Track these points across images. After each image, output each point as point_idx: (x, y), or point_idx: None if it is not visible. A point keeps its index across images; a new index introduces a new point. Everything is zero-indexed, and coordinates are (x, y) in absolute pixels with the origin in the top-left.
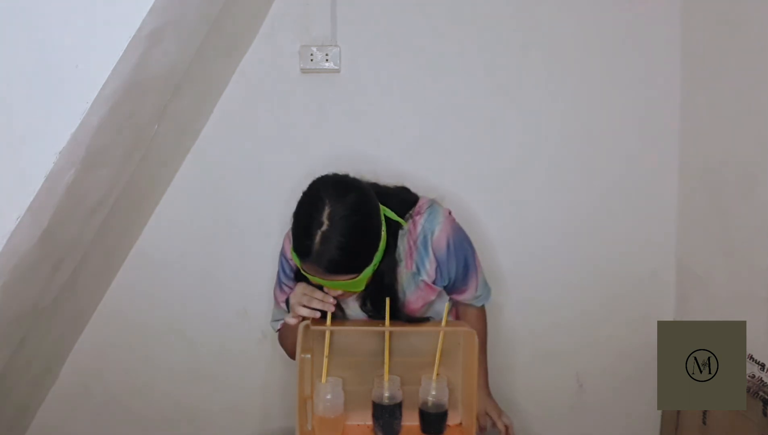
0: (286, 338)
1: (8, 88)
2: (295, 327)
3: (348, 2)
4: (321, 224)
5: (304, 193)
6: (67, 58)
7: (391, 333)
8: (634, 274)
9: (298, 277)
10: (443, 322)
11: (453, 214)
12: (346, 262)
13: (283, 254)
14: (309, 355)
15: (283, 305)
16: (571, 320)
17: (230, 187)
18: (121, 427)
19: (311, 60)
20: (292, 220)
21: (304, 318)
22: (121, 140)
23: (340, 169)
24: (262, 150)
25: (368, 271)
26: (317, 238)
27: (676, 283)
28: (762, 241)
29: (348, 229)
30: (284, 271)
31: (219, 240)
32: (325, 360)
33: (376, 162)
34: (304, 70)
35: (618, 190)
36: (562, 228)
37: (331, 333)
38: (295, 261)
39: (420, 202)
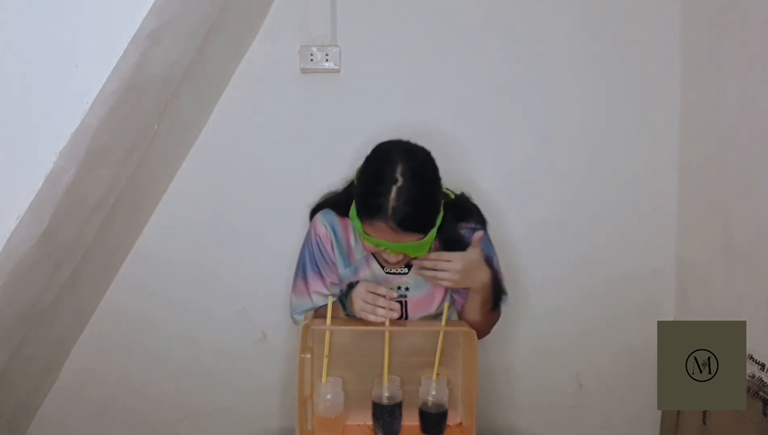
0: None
1: (8, 88)
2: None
3: (348, 2)
4: (396, 180)
5: (371, 157)
6: (67, 58)
7: (391, 333)
8: (634, 274)
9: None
10: (443, 322)
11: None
12: (419, 218)
13: (314, 239)
14: (309, 355)
15: (315, 296)
16: (571, 320)
17: (230, 186)
18: (121, 427)
19: (311, 60)
20: (360, 182)
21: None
22: (121, 140)
23: (339, 169)
24: (262, 150)
25: (433, 234)
26: (392, 194)
27: (676, 283)
28: (762, 241)
29: (422, 185)
30: (318, 256)
31: (219, 240)
32: (326, 360)
33: None
34: (304, 70)
35: (618, 190)
36: (562, 228)
37: (331, 333)
38: (356, 226)
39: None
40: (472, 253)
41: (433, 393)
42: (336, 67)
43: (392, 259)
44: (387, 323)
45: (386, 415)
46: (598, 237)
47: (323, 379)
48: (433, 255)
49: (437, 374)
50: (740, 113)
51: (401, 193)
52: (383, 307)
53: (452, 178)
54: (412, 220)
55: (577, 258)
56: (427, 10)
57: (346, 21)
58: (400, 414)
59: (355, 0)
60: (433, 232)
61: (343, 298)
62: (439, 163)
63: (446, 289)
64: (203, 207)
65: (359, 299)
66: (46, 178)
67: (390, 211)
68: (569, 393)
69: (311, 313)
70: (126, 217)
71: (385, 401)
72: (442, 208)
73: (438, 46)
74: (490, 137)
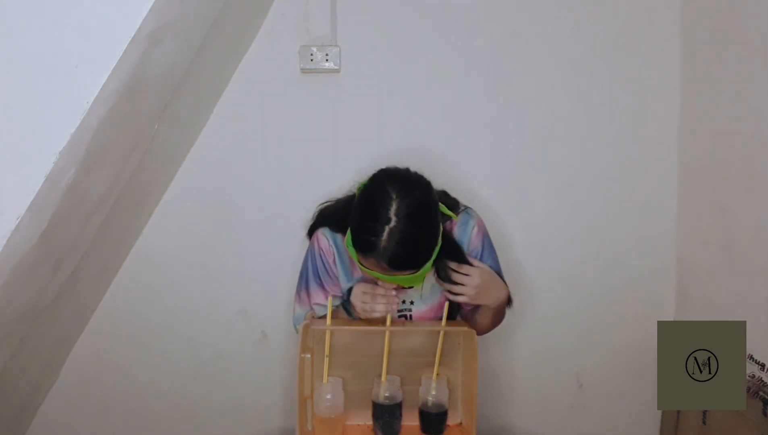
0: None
1: (8, 88)
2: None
3: (348, 2)
4: (389, 220)
5: (368, 187)
6: (67, 58)
7: (391, 333)
8: (634, 274)
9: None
10: (443, 322)
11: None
12: (410, 259)
13: (317, 251)
14: (309, 355)
15: (317, 308)
16: (571, 320)
17: (230, 187)
18: (121, 427)
19: (311, 60)
20: (354, 215)
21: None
22: (121, 140)
23: (339, 169)
24: (261, 150)
25: (428, 267)
26: (384, 235)
27: (676, 283)
28: (762, 241)
29: (416, 227)
30: (321, 268)
31: (219, 240)
32: (326, 360)
33: (377, 162)
34: (304, 70)
35: (618, 190)
36: (562, 228)
37: (331, 333)
38: (351, 254)
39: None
40: (489, 271)
41: (433, 393)
42: (336, 67)
43: (387, 286)
44: (388, 323)
45: (386, 415)
46: (598, 237)
47: (324, 379)
48: (453, 265)
49: (437, 374)
50: (740, 113)
51: (394, 234)
52: (382, 302)
53: (451, 179)
54: (404, 261)
55: (576, 258)
56: (426, 10)
57: (346, 21)
58: (400, 414)
59: (355, 0)
60: (428, 265)
61: (346, 305)
62: (438, 162)
63: (454, 304)
64: (203, 207)
65: (358, 301)
66: (46, 178)
67: (381, 251)
68: (569, 393)
69: (311, 312)
70: (126, 217)
71: (385, 401)
72: (440, 238)
73: (438, 46)
74: (490, 137)
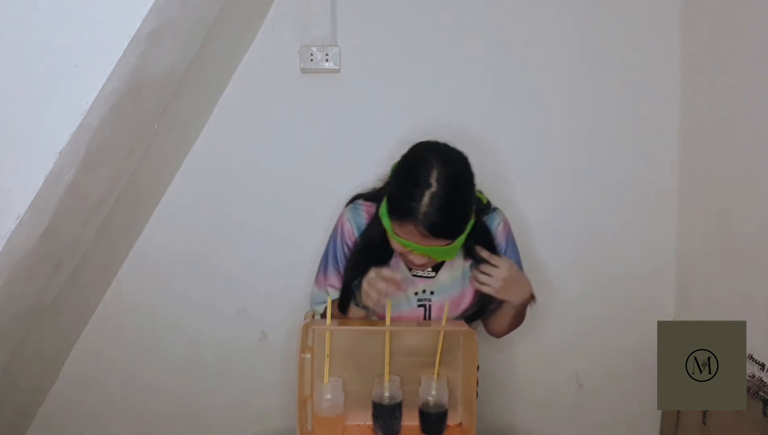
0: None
1: (8, 88)
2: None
3: (348, 2)
4: (429, 185)
5: (407, 157)
6: (67, 58)
7: (391, 333)
8: (634, 274)
9: (366, 257)
10: (443, 322)
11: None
12: (449, 226)
13: (340, 237)
14: (309, 355)
15: (330, 290)
16: (571, 320)
17: (230, 186)
18: (121, 427)
19: (311, 60)
20: (394, 182)
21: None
22: (121, 140)
23: (340, 169)
24: (261, 150)
25: (461, 239)
26: (425, 199)
27: (676, 283)
28: (762, 241)
29: (456, 192)
30: (341, 254)
31: (219, 240)
32: (327, 360)
33: (377, 162)
34: (304, 70)
35: (618, 190)
36: (562, 227)
37: (332, 333)
38: (385, 223)
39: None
40: (517, 267)
41: (433, 393)
42: (336, 67)
43: (418, 260)
44: (387, 323)
45: (386, 415)
46: (598, 237)
47: (325, 379)
48: (485, 253)
49: (437, 374)
50: (740, 113)
51: (434, 199)
52: (383, 286)
53: None
54: (443, 227)
55: (576, 258)
56: (426, 10)
57: (346, 21)
58: (400, 414)
59: (355, 0)
60: (462, 237)
61: (355, 288)
62: None
63: (474, 297)
64: (203, 207)
65: (365, 282)
66: (46, 178)
67: (421, 216)
68: (569, 393)
69: (311, 312)
70: (126, 217)
71: (385, 401)
72: (473, 214)
73: (437, 46)
74: (490, 137)
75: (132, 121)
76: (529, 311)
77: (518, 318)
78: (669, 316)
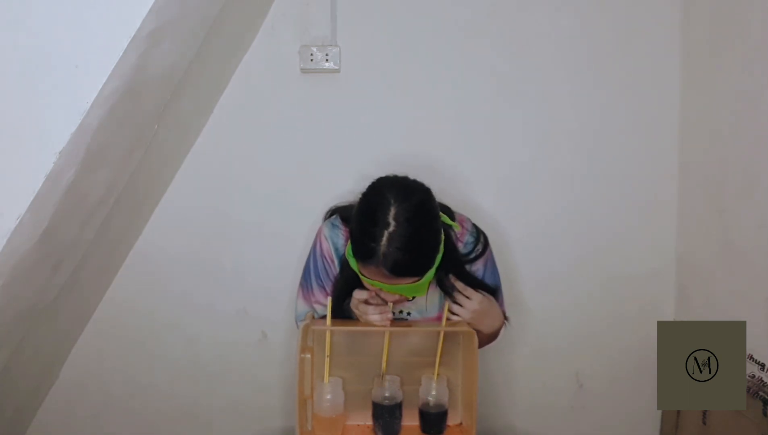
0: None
1: (8, 88)
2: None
3: (348, 2)
4: (388, 224)
5: (366, 195)
6: (67, 58)
7: (391, 333)
8: (634, 274)
9: (349, 280)
10: (443, 322)
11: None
12: (412, 265)
13: (319, 254)
14: (309, 355)
15: (318, 307)
16: (571, 320)
17: (230, 186)
18: (121, 427)
19: (311, 60)
20: (354, 223)
21: None
22: (121, 140)
23: (340, 170)
24: (261, 150)
25: (430, 275)
26: (384, 239)
27: (676, 283)
28: (762, 241)
29: (415, 230)
30: (322, 271)
31: (219, 240)
32: (327, 360)
33: (377, 162)
34: (304, 70)
35: (618, 190)
36: (562, 228)
37: (331, 333)
38: (352, 265)
39: (459, 217)
40: (490, 300)
41: (433, 393)
42: (336, 67)
43: (389, 298)
44: (387, 323)
45: (386, 415)
46: (598, 237)
47: (325, 380)
48: (460, 285)
49: (437, 374)
50: (740, 113)
51: (393, 239)
52: (376, 313)
53: (452, 179)
54: (406, 267)
55: (576, 258)
56: (426, 10)
57: (346, 21)
58: (400, 414)
59: (355, 0)
60: (431, 272)
61: (345, 309)
62: (438, 162)
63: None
64: (203, 207)
65: (355, 309)
66: (46, 178)
67: (382, 257)
68: (569, 393)
69: (311, 312)
70: (126, 217)
71: (385, 401)
72: (441, 246)
73: (437, 46)
74: (489, 137)
75: (132, 121)
76: (530, 311)
77: (491, 338)
78: (669, 316)
